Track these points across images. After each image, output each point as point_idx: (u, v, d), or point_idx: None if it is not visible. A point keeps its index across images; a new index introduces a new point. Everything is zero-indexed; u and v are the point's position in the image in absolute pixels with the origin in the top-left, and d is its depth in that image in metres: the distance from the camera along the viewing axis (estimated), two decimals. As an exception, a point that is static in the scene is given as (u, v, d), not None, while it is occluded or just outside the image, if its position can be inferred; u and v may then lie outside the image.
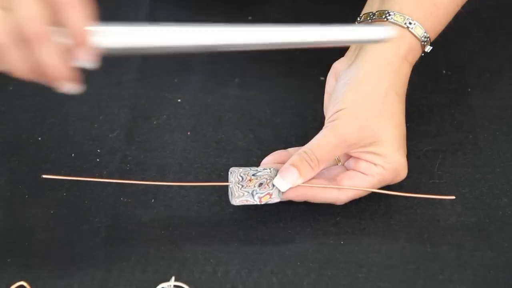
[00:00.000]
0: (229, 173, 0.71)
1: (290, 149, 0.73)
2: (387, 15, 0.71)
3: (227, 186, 0.70)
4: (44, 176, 0.70)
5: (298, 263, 0.69)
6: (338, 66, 0.74)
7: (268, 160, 0.72)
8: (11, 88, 0.85)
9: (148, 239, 0.70)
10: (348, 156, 0.71)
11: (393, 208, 0.72)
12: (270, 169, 0.70)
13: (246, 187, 0.69)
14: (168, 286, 0.67)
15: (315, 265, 0.68)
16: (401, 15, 0.71)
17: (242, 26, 0.61)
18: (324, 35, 0.61)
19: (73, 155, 0.77)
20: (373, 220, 0.72)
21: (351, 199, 0.71)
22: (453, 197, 0.72)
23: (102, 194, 0.74)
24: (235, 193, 0.69)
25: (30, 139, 0.79)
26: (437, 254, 0.69)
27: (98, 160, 0.77)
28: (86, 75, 0.86)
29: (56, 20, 0.57)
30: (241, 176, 0.70)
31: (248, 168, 0.71)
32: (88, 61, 0.59)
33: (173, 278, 0.67)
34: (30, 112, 0.81)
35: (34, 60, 0.58)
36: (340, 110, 0.69)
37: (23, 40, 0.57)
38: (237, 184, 0.69)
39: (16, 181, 0.75)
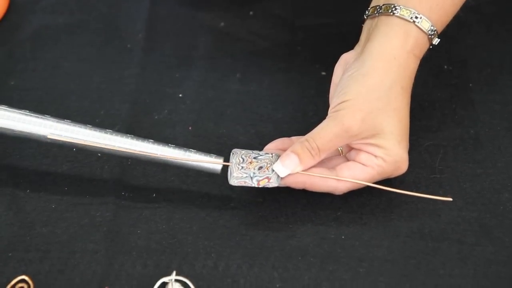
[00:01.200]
0: (231, 154, 0.71)
1: (294, 138, 0.73)
2: (393, 9, 0.71)
3: (227, 180, 0.70)
4: (50, 136, 0.70)
5: (299, 258, 0.69)
6: (346, 57, 0.74)
7: (271, 147, 0.72)
8: (12, 82, 0.85)
9: (149, 234, 0.70)
10: (350, 148, 0.72)
11: (394, 202, 0.72)
12: (271, 154, 0.70)
13: (245, 169, 0.69)
14: (169, 280, 0.67)
15: (316, 260, 0.68)
16: (407, 9, 0.71)
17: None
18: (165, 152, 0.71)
19: (74, 149, 0.77)
20: (374, 215, 0.72)
21: (349, 190, 0.71)
22: (450, 199, 0.71)
23: (103, 188, 0.74)
24: (234, 173, 0.69)
25: (31, 134, 0.79)
26: (438, 248, 0.69)
27: (99, 154, 0.76)
28: (87, 69, 0.87)
29: None
30: (242, 158, 0.70)
31: (250, 151, 0.71)
32: None
33: (174, 272, 0.67)
34: (32, 107, 0.80)
35: None
36: (344, 101, 0.69)
37: None
38: (237, 165, 0.69)
39: (18, 176, 0.75)
